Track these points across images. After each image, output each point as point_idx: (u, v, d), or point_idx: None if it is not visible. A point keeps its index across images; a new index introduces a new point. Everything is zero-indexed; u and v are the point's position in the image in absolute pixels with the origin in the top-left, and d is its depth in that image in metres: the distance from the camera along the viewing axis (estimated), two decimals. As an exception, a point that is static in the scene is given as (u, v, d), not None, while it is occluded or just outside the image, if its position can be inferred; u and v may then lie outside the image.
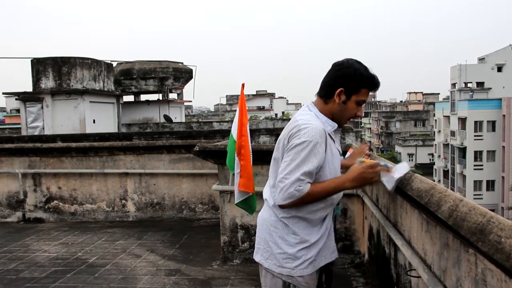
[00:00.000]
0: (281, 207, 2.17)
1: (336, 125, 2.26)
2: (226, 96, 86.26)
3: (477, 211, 1.70)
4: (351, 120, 2.45)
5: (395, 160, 41.64)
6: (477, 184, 42.01)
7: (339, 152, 2.34)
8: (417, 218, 2.53)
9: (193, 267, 5.07)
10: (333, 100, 2.22)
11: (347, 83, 2.18)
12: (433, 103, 65.12)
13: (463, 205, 1.82)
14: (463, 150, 43.31)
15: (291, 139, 2.14)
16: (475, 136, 41.82)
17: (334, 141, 2.26)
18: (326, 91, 2.24)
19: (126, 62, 20.52)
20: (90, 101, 15.41)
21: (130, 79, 20.21)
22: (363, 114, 2.59)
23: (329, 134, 2.20)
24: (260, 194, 2.62)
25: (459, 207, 1.83)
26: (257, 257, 2.37)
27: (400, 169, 2.44)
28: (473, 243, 1.62)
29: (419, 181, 2.37)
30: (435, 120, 54.15)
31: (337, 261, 3.88)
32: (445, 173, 49.01)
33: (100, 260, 5.38)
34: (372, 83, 2.22)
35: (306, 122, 2.15)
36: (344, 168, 2.43)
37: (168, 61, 20.84)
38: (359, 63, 2.22)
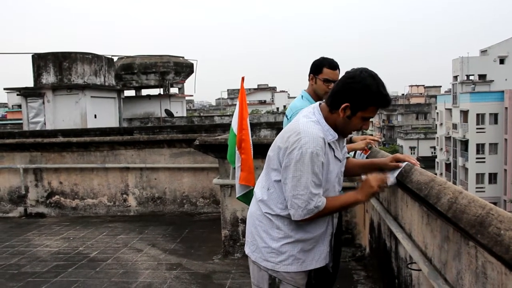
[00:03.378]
0: (299, 222, 2.16)
1: (336, 136, 2.17)
2: (228, 90, 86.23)
3: (477, 203, 1.69)
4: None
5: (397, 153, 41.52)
6: (479, 177, 41.94)
7: (339, 159, 2.26)
8: (418, 211, 2.51)
9: (194, 261, 5.07)
10: (337, 112, 2.13)
11: (354, 99, 2.06)
12: (435, 96, 64.95)
13: (463, 198, 1.80)
14: (465, 143, 43.22)
15: (291, 149, 2.08)
16: (477, 128, 41.70)
17: (334, 150, 2.19)
18: (332, 102, 2.15)
19: (127, 57, 20.50)
20: (91, 96, 15.41)
21: (131, 74, 20.19)
22: (369, 128, 2.56)
23: (328, 143, 2.13)
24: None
25: (458, 200, 1.82)
26: (246, 249, 2.38)
27: (394, 172, 2.48)
28: (472, 235, 1.61)
29: (419, 174, 2.36)
30: (437, 113, 53.99)
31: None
32: (447, 166, 48.95)
33: (101, 255, 5.39)
34: (383, 101, 2.09)
35: (307, 129, 2.09)
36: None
37: (169, 56, 20.81)
38: (373, 78, 2.07)
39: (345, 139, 2.39)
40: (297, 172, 2.06)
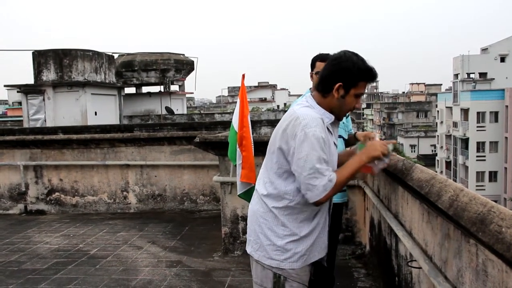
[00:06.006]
0: (317, 203, 2.13)
1: (333, 117, 2.22)
2: (228, 87, 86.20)
3: (478, 201, 1.68)
4: (353, 112, 2.44)
5: (397, 152, 41.49)
6: (480, 175, 41.91)
7: (336, 145, 2.29)
8: (418, 209, 2.51)
9: (194, 258, 5.07)
10: (331, 94, 2.18)
11: (345, 78, 2.14)
12: (436, 94, 64.86)
13: (464, 195, 1.80)
14: (465, 141, 43.18)
15: (294, 134, 2.10)
16: (477, 127, 41.65)
17: (331, 133, 2.23)
18: (323, 86, 2.21)
19: (128, 54, 20.48)
20: (92, 93, 15.41)
21: (131, 71, 20.18)
22: (361, 106, 2.58)
23: (326, 127, 2.17)
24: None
25: (459, 197, 1.81)
26: (248, 248, 2.36)
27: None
28: (473, 233, 1.60)
29: (419, 171, 2.35)
30: (438, 111, 53.91)
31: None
32: (448, 164, 48.92)
33: (101, 252, 5.39)
34: (370, 75, 2.18)
35: (303, 113, 2.14)
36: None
37: (170, 53, 20.80)
38: (357, 55, 2.18)
39: (338, 128, 2.41)
40: (304, 153, 2.07)
